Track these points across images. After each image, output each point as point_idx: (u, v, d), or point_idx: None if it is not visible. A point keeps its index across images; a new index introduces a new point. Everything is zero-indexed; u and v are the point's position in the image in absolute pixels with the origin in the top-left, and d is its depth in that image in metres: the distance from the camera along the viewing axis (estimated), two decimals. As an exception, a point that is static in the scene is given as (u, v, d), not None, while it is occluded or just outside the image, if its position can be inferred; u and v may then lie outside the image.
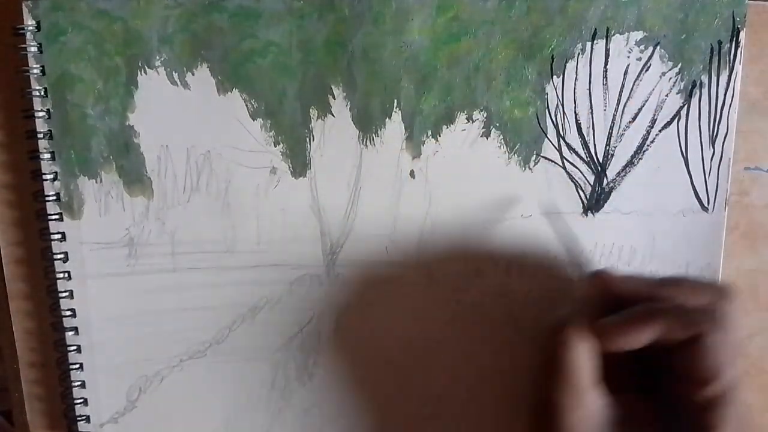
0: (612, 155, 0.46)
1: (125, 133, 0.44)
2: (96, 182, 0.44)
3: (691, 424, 0.36)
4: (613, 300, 0.39)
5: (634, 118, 0.46)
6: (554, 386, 0.38)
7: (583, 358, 0.37)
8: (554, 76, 0.45)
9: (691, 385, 0.36)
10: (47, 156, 0.43)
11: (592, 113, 0.45)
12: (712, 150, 0.46)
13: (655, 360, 0.38)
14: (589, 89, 0.45)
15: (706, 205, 0.46)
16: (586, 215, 0.46)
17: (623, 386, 0.40)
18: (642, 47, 0.45)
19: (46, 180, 0.43)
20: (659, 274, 0.47)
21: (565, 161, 0.46)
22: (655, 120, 0.46)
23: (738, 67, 0.45)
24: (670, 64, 0.45)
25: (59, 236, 0.44)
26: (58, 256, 0.44)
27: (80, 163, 0.44)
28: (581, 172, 0.46)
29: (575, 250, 0.43)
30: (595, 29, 0.44)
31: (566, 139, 0.46)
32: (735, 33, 0.45)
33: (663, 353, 0.37)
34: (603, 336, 0.37)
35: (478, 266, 0.46)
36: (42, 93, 0.43)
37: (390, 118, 0.45)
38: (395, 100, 0.44)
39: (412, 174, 0.45)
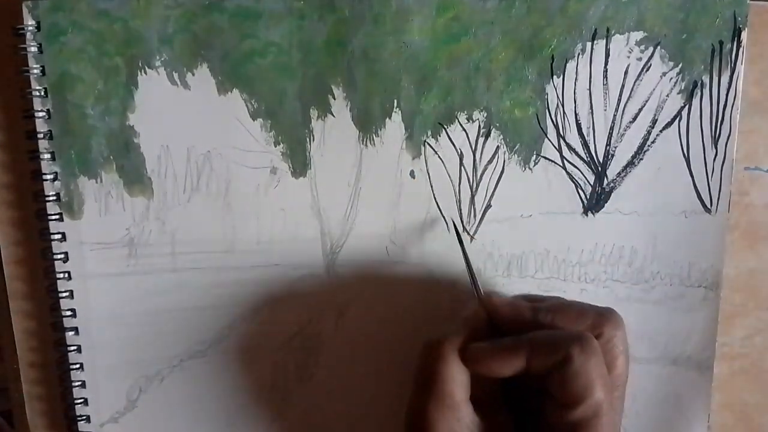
0: (612, 155, 0.46)
1: (125, 133, 0.44)
2: (96, 182, 0.44)
3: None
4: (500, 324, 0.40)
5: (634, 119, 0.46)
6: (426, 399, 0.38)
7: (455, 373, 0.37)
8: (554, 76, 0.45)
9: (560, 408, 0.36)
10: (47, 156, 0.43)
11: (592, 113, 0.45)
12: (714, 151, 0.46)
13: (530, 382, 0.38)
14: (590, 89, 0.45)
15: (708, 206, 0.46)
16: (587, 215, 0.46)
17: (498, 406, 0.40)
18: (642, 47, 0.45)
19: (47, 180, 0.43)
20: (659, 277, 0.47)
21: (565, 161, 0.46)
22: (656, 120, 0.46)
23: (740, 68, 0.45)
24: (671, 64, 0.45)
25: (59, 236, 0.44)
26: (59, 256, 0.44)
27: (80, 163, 0.44)
28: (581, 173, 0.46)
29: (471, 270, 0.43)
30: (596, 29, 0.44)
31: (566, 139, 0.45)
32: (736, 33, 0.44)
33: (537, 377, 0.37)
34: (471, 361, 0.38)
35: (478, 266, 0.46)
36: (42, 93, 0.43)
37: (390, 118, 0.45)
38: (395, 100, 0.44)
39: (412, 174, 0.45)
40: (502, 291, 0.46)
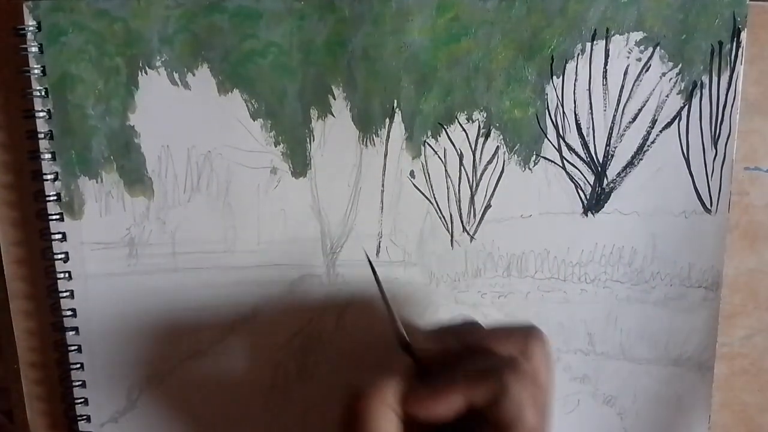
0: (612, 156, 0.46)
1: (126, 133, 0.44)
2: (97, 182, 0.44)
3: None
4: (426, 361, 0.38)
5: (634, 119, 0.46)
6: None
7: (383, 424, 0.35)
8: (554, 77, 0.45)
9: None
10: (48, 156, 0.43)
11: (592, 114, 0.45)
12: (714, 151, 0.46)
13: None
14: (589, 90, 0.45)
15: (708, 206, 0.46)
16: (586, 216, 0.46)
17: None
18: (642, 48, 0.45)
19: (47, 180, 0.44)
20: (659, 277, 0.47)
21: (564, 161, 0.46)
22: (656, 120, 0.46)
23: (739, 68, 0.45)
24: (671, 64, 0.45)
25: (60, 236, 0.44)
26: (59, 256, 0.44)
27: (81, 163, 0.44)
28: (581, 173, 0.46)
29: (389, 308, 0.41)
30: (595, 30, 0.44)
31: (566, 140, 0.46)
32: (736, 33, 0.44)
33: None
34: (412, 410, 0.36)
35: (478, 266, 0.46)
36: (42, 93, 0.43)
37: (390, 118, 0.45)
38: (395, 101, 0.44)
39: (412, 174, 0.45)
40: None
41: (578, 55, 0.44)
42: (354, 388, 0.36)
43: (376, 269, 0.42)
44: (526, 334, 0.39)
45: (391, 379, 0.37)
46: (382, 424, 0.35)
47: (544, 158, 0.46)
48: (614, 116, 0.45)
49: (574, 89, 0.45)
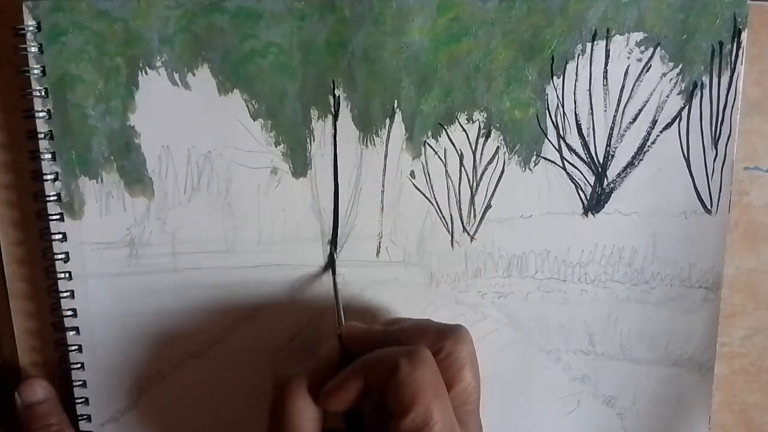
0: (612, 156, 0.46)
1: (126, 134, 0.44)
2: (97, 182, 0.44)
3: None
4: (357, 354, 0.40)
5: (634, 119, 0.46)
6: None
7: (302, 410, 0.38)
8: (554, 77, 0.45)
9: (394, 420, 0.36)
10: (48, 156, 0.43)
11: (592, 114, 0.45)
12: (714, 151, 0.46)
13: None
14: (590, 90, 0.45)
15: (709, 207, 0.46)
16: (587, 216, 0.46)
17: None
18: (642, 48, 0.45)
19: (47, 180, 0.44)
20: (659, 277, 0.47)
21: (565, 162, 0.46)
22: (656, 121, 0.46)
23: (740, 68, 0.45)
24: (671, 64, 0.45)
25: (60, 236, 0.44)
26: (59, 256, 0.44)
27: (81, 163, 0.44)
28: (581, 173, 0.46)
29: (338, 303, 0.44)
30: (596, 30, 0.44)
31: (566, 140, 0.45)
32: (736, 33, 0.44)
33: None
34: (324, 402, 0.38)
35: (478, 266, 0.46)
36: (42, 93, 0.43)
37: (390, 118, 0.45)
38: (395, 101, 0.44)
39: (412, 174, 0.45)
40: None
41: (578, 55, 0.44)
42: (278, 379, 0.40)
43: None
44: (442, 329, 0.40)
45: (314, 369, 0.40)
46: (299, 410, 0.38)
47: (545, 158, 0.46)
48: (614, 116, 0.45)
49: (575, 89, 0.45)
